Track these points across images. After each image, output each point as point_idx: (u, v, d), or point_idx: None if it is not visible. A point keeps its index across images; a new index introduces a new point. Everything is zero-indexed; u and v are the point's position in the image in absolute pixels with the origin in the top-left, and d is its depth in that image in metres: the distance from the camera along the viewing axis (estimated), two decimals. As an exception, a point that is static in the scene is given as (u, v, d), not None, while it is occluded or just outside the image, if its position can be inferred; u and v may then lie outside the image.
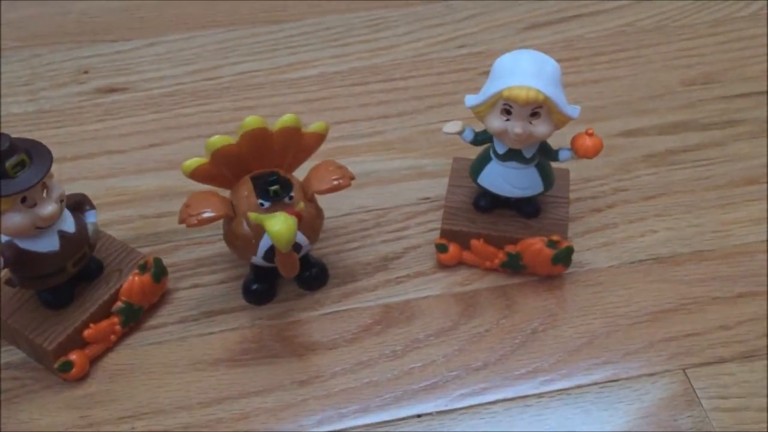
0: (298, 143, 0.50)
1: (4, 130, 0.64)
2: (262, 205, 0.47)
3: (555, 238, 0.51)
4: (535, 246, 0.51)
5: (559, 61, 0.48)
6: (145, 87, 0.69)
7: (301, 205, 0.48)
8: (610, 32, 0.73)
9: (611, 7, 0.76)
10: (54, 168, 0.44)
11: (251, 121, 0.48)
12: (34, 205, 0.44)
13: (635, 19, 0.74)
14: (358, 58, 0.71)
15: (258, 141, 0.48)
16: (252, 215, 0.47)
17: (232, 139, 0.48)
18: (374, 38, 0.73)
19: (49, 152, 0.44)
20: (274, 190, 0.47)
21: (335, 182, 0.49)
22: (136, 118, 0.66)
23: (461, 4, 0.77)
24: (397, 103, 0.67)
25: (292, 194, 0.48)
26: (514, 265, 0.53)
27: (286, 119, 0.49)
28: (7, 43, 0.73)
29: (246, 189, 0.49)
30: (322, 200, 0.51)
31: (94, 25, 0.75)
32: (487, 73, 0.49)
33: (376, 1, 0.77)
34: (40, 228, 0.44)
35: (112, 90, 0.69)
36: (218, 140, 0.48)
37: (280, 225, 0.44)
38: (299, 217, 0.46)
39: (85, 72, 0.70)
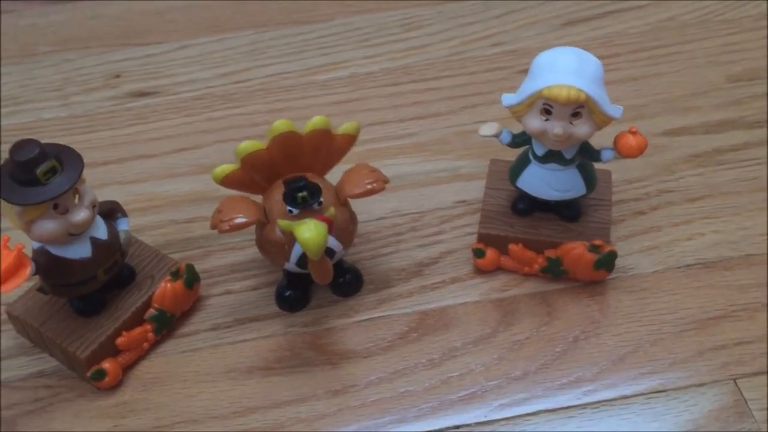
0: (329, 145, 0.49)
1: (36, 136, 0.65)
2: (290, 212, 0.46)
3: (597, 242, 0.49)
4: (577, 250, 0.49)
5: (598, 58, 0.46)
6: (176, 90, 0.68)
7: (331, 210, 0.46)
8: (651, 27, 0.71)
9: (652, 2, 0.73)
10: (85, 173, 0.44)
11: (280, 124, 0.47)
12: (66, 211, 0.43)
13: (677, 13, 0.72)
14: (390, 59, 0.70)
15: (288, 145, 0.47)
16: (281, 222, 0.46)
17: (261, 144, 0.47)
18: (406, 37, 0.72)
19: (80, 157, 0.43)
20: (302, 196, 0.46)
21: (369, 186, 0.48)
22: (167, 122, 0.66)
23: (495, 1, 0.75)
24: (431, 104, 0.66)
25: (321, 200, 0.47)
26: (554, 271, 0.51)
27: (316, 121, 0.48)
28: (38, 48, 0.73)
29: (278, 193, 0.48)
30: (355, 204, 0.50)
31: (125, 28, 0.75)
32: (523, 72, 0.47)
33: (408, 0, 0.76)
34: (73, 234, 0.44)
35: (143, 94, 0.68)
36: (247, 146, 0.47)
37: (310, 232, 0.43)
38: (329, 223, 0.45)
39: (117, 76, 0.70)
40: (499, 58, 0.69)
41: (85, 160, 0.44)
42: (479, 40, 0.71)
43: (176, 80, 0.69)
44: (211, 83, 0.69)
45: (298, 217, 0.46)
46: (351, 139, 0.50)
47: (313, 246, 0.43)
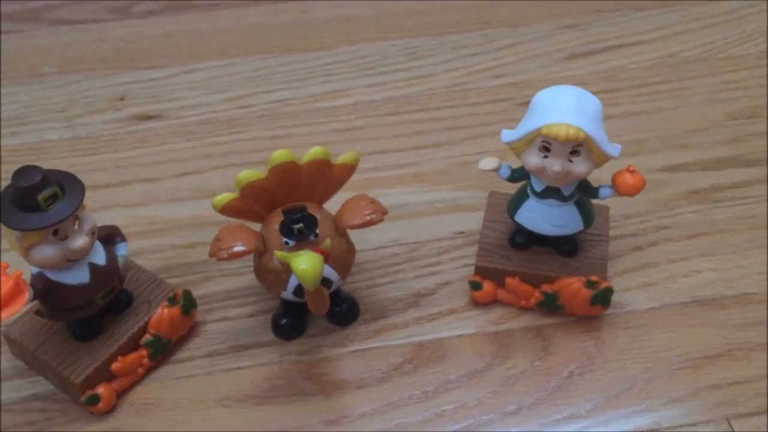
0: (327, 175, 0.49)
1: (39, 157, 0.65)
2: (286, 243, 0.46)
3: (594, 278, 0.50)
4: (573, 286, 0.50)
5: (599, 92, 0.47)
6: (180, 114, 0.69)
7: (327, 242, 0.47)
8: (653, 63, 0.71)
9: (653, 38, 0.74)
10: (87, 195, 0.44)
11: (279, 155, 0.47)
12: (66, 237, 0.44)
13: (678, 50, 0.73)
14: (392, 87, 0.71)
15: (286, 174, 0.48)
16: (278, 254, 0.46)
17: (260, 174, 0.47)
18: (409, 67, 0.73)
19: (81, 185, 0.44)
20: (299, 228, 0.46)
21: (368, 217, 0.48)
22: (170, 146, 0.66)
23: (498, 32, 0.76)
24: (432, 134, 0.66)
25: (317, 232, 0.47)
26: (550, 305, 0.51)
27: (315, 152, 0.48)
28: (44, 69, 0.74)
29: (277, 223, 0.48)
30: (353, 233, 0.50)
31: (130, 51, 0.76)
32: (524, 104, 0.48)
33: (412, 30, 0.77)
34: (71, 261, 0.44)
35: (147, 117, 0.69)
36: (247, 176, 0.47)
37: (305, 264, 0.43)
38: (325, 255, 0.45)
39: (121, 99, 0.71)
40: (501, 89, 0.70)
41: (87, 183, 0.44)
42: (481, 71, 0.72)
43: (180, 104, 0.70)
44: (214, 108, 0.69)
45: (295, 249, 0.46)
46: (350, 169, 0.50)
47: (309, 278, 0.43)
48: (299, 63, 0.74)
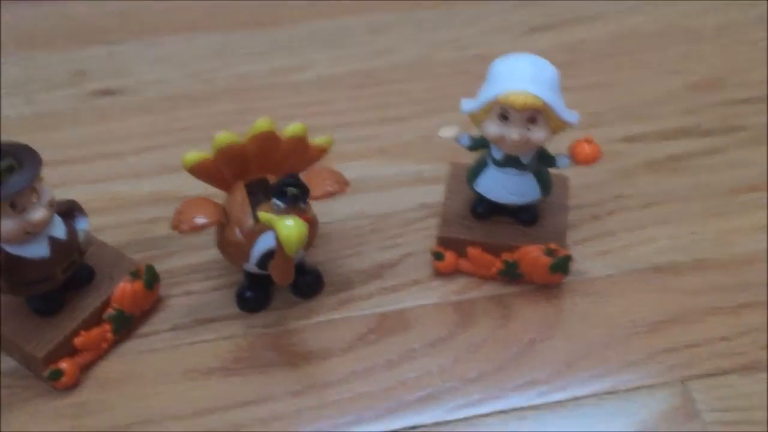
0: (302, 153, 0.50)
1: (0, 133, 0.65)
2: (277, 206, 0.46)
3: (553, 246, 0.50)
4: (533, 254, 0.50)
5: (559, 65, 0.47)
6: (141, 89, 0.68)
7: (312, 212, 0.47)
8: (612, 36, 0.72)
9: (613, 10, 0.75)
10: (48, 172, 0.44)
11: (262, 123, 0.47)
12: (24, 210, 0.43)
13: (637, 22, 0.74)
14: (355, 61, 0.71)
15: (265, 144, 0.48)
16: (262, 215, 0.45)
17: (240, 138, 0.47)
18: (372, 41, 0.73)
19: (38, 156, 0.43)
20: (293, 193, 0.46)
21: (330, 188, 0.48)
22: (131, 121, 0.66)
23: (461, 5, 0.76)
24: (395, 107, 0.66)
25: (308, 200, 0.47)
26: (511, 274, 0.52)
27: (297, 128, 0.49)
28: (3, 46, 0.73)
29: (240, 195, 0.48)
30: (317, 205, 0.50)
31: (90, 27, 0.75)
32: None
33: (375, 1, 0.76)
34: (30, 233, 0.44)
35: (107, 92, 0.68)
36: (227, 137, 0.47)
37: (291, 228, 0.42)
38: (311, 223, 0.46)
39: (81, 74, 0.70)
40: (464, 63, 0.70)
41: (48, 159, 0.44)
42: (444, 44, 0.72)
43: (141, 79, 0.69)
44: (177, 84, 0.69)
45: (281, 214, 0.46)
46: (323, 153, 0.51)
47: (294, 242, 0.42)
48: (262, 37, 0.73)
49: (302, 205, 0.47)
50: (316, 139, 0.51)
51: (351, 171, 0.53)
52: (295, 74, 0.70)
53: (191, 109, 0.67)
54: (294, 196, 0.46)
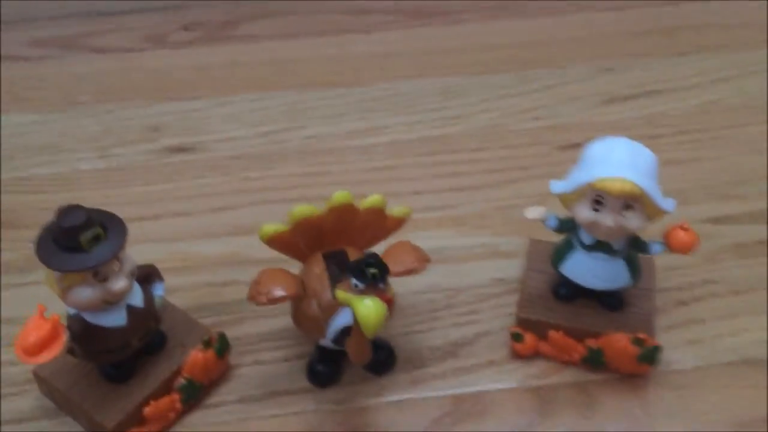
0: (380, 225, 0.49)
1: (71, 187, 0.65)
2: (355, 286, 0.45)
3: (641, 335, 0.48)
4: (620, 343, 0.48)
5: (640, 138, 0.45)
6: (214, 147, 0.68)
7: (392, 291, 0.45)
8: (694, 110, 0.70)
9: (694, 84, 0.73)
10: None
11: (341, 196, 0.46)
12: (106, 279, 0.43)
13: (720, 96, 0.72)
14: (429, 127, 0.70)
15: (343, 216, 0.47)
16: (339, 294, 0.44)
17: (317, 210, 0.47)
18: (445, 106, 0.72)
19: (124, 225, 0.43)
20: (373, 273, 0.44)
21: (410, 266, 0.47)
22: (203, 180, 0.65)
23: (536, 74, 0.75)
24: (469, 176, 0.65)
25: (387, 281, 0.45)
26: (595, 361, 0.50)
27: (375, 200, 0.48)
28: (79, 97, 0.74)
29: (318, 268, 0.47)
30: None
31: (165, 82, 0.75)
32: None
33: (449, 68, 0.76)
34: (109, 303, 0.43)
35: (181, 149, 0.68)
36: (305, 210, 0.46)
37: (369, 309, 0.41)
38: (389, 304, 0.44)
39: (155, 129, 0.70)
40: (540, 132, 0.69)
41: (120, 215, 0.44)
42: (519, 113, 0.71)
43: (214, 137, 0.69)
44: (249, 142, 0.69)
45: (359, 293, 0.44)
46: (401, 224, 0.50)
47: (372, 324, 0.41)
48: (335, 99, 0.73)
49: (381, 286, 0.45)
50: (394, 210, 0.49)
51: (424, 241, 0.52)
52: (367, 137, 0.69)
53: (262, 169, 0.66)
54: (374, 276, 0.45)
